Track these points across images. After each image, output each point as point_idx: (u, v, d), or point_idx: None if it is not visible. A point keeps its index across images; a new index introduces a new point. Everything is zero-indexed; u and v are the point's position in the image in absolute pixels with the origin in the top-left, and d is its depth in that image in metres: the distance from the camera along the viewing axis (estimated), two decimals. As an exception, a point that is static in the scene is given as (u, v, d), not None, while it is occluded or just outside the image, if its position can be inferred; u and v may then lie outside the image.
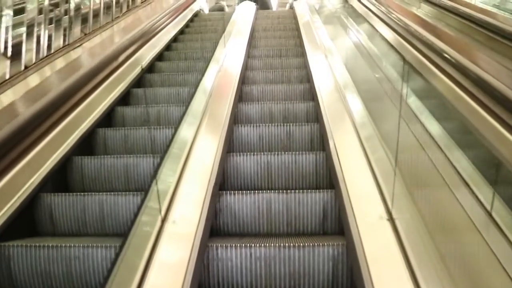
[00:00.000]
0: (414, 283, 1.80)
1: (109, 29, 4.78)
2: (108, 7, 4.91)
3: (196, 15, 8.43)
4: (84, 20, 4.28)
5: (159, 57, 5.75)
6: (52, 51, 3.60)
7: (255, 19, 7.99)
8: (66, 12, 3.91)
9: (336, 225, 2.82)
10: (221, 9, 11.11)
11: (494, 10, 3.65)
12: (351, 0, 5.10)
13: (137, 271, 1.93)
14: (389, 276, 1.95)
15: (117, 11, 5.20)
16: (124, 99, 4.35)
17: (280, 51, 6.10)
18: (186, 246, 2.23)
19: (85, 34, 4.24)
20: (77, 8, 4.09)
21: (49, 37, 3.56)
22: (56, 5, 3.72)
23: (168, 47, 6.17)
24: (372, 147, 2.89)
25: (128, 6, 5.63)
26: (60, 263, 2.35)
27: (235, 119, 4.08)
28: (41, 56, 3.43)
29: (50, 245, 2.36)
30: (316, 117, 4.08)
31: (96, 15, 4.57)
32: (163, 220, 2.33)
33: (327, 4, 6.95)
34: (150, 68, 5.30)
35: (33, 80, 3.06)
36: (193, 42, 6.56)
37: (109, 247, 2.35)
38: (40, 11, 3.41)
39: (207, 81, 4.39)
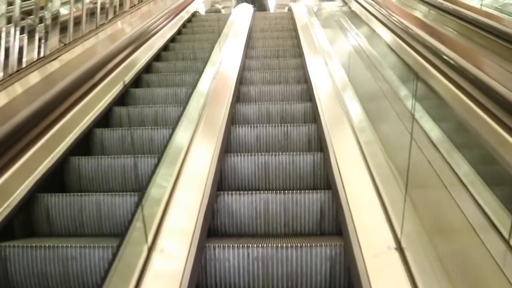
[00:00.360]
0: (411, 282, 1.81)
1: (93, 37, 4.35)
2: (92, 13, 4.48)
3: (193, 15, 8.43)
4: (64, 29, 3.82)
5: (156, 57, 5.74)
6: (24, 65, 3.18)
7: (253, 19, 7.99)
8: (42, 20, 3.48)
9: (334, 225, 2.82)
10: (217, 11, 11.12)
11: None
12: (350, 3, 5.11)
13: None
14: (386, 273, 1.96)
15: (102, 17, 4.74)
16: (103, 120, 3.93)
17: (278, 51, 6.10)
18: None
19: (64, 45, 3.80)
20: (55, 16, 3.63)
21: (20, 49, 3.15)
22: (28, 13, 3.33)
23: (165, 47, 6.17)
24: (371, 150, 2.88)
25: (115, 11, 5.16)
26: (57, 263, 2.34)
27: (233, 120, 4.08)
28: (10, 71, 3.03)
29: (47, 245, 2.35)
30: (313, 117, 4.08)
31: (77, 22, 4.11)
32: (150, 249, 2.09)
33: (326, 6, 6.96)
34: (144, 73, 5.16)
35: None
36: (190, 43, 6.55)
37: (106, 248, 2.34)
38: (9, 20, 3.05)
39: (205, 82, 4.38)
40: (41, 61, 3.38)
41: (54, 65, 3.40)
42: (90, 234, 2.77)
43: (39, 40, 3.41)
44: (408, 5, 3.94)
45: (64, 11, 3.86)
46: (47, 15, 3.54)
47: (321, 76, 4.65)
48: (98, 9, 4.60)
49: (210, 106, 3.92)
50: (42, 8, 3.51)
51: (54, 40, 3.63)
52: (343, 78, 4.24)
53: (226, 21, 7.22)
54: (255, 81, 5.14)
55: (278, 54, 6.03)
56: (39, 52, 3.40)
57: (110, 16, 4.98)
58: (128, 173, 3.21)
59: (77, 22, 4.13)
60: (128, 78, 4.49)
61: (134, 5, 5.89)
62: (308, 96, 4.56)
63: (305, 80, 4.94)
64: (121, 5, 5.38)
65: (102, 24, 4.68)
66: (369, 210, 2.42)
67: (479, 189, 1.79)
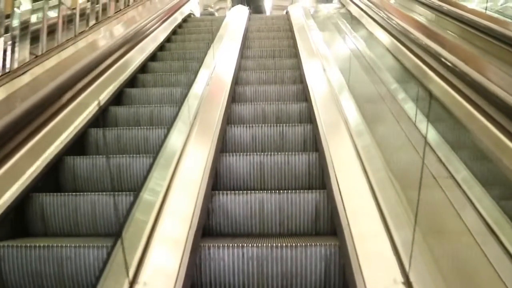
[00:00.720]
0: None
1: (72, 46, 3.87)
2: (70, 20, 4.00)
3: (188, 16, 8.35)
4: (36, 38, 3.35)
5: (152, 57, 5.72)
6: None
7: (248, 20, 7.98)
8: (8, 29, 3.06)
9: (328, 225, 2.83)
10: (211, 15, 11.04)
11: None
12: (348, 6, 5.10)
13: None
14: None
15: (82, 24, 4.26)
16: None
17: (273, 51, 6.10)
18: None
19: (36, 57, 3.33)
20: (25, 26, 3.16)
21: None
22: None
23: (161, 48, 6.14)
24: (367, 152, 2.88)
25: (97, 17, 4.67)
26: (51, 263, 2.33)
27: (228, 120, 4.08)
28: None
29: (42, 245, 2.34)
30: (309, 117, 4.08)
31: (52, 31, 3.62)
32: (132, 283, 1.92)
33: (322, 9, 6.97)
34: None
35: None
36: (186, 43, 6.53)
37: (101, 247, 2.34)
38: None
39: (200, 82, 4.37)
40: (6, 76, 2.94)
41: (23, 80, 2.97)
42: (84, 234, 2.76)
43: (4, 52, 2.99)
44: (412, 9, 3.91)
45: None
46: (15, 23, 3.13)
47: (316, 76, 4.65)
48: (77, 15, 4.15)
49: (206, 107, 3.92)
50: (8, 16, 3.09)
51: (24, 52, 3.18)
52: (338, 79, 4.25)
53: (221, 23, 7.19)
54: (251, 81, 5.14)
55: (274, 55, 6.03)
56: (3, 66, 2.96)
57: (92, 22, 4.55)
58: (123, 172, 3.20)
59: (53, 30, 3.66)
60: (106, 94, 4.02)
61: (120, 10, 5.44)
62: (304, 96, 4.56)
63: (301, 80, 4.95)
64: (104, 10, 4.91)
65: (82, 32, 4.24)
66: (364, 211, 2.42)
67: (477, 192, 1.78)
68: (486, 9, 4.22)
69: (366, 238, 2.22)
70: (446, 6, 3.34)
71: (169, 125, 3.27)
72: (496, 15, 3.86)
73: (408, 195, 2.15)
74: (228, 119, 4.07)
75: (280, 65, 5.56)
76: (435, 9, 3.51)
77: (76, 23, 4.14)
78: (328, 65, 4.80)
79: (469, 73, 1.77)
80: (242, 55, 5.92)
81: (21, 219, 2.74)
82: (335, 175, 2.82)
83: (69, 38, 3.95)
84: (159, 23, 5.95)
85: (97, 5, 4.70)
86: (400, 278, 1.85)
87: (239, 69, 5.35)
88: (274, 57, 5.95)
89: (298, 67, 5.30)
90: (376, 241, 2.16)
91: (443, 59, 2.09)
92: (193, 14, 8.91)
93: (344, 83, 4.04)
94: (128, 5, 5.76)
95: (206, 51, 5.31)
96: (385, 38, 3.37)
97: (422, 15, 3.67)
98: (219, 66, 5.10)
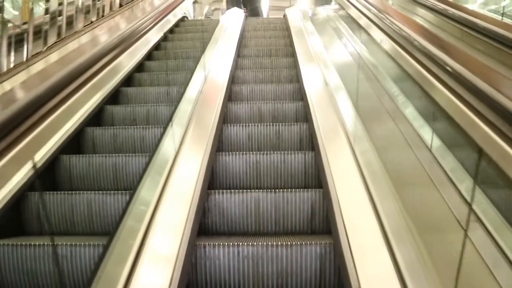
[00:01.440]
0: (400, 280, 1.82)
1: (22, 72, 3.05)
2: (20, 40, 3.14)
3: (183, 18, 8.14)
4: None
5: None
6: None
7: (245, 20, 7.94)
8: None
9: (324, 224, 2.84)
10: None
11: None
12: (348, 9, 5.08)
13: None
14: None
15: (37, 44, 3.37)
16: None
17: (270, 51, 6.10)
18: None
19: None
20: None
21: None
22: None
23: (157, 46, 6.11)
24: (364, 153, 2.88)
25: (59, 34, 3.75)
26: (47, 262, 2.34)
27: (224, 119, 4.09)
28: None
29: (37, 244, 2.34)
30: (305, 116, 4.09)
31: None
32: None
33: (321, 11, 6.97)
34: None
35: None
36: (183, 42, 6.52)
37: (97, 246, 2.34)
38: None
39: (196, 84, 4.37)
40: None
41: None
42: (81, 233, 2.76)
43: None
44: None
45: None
46: None
47: (313, 77, 4.66)
48: (30, 33, 3.29)
49: (202, 108, 3.92)
50: None
51: None
52: (335, 80, 4.25)
53: (216, 26, 7.10)
54: (247, 80, 5.15)
55: (271, 53, 6.03)
56: None
57: (51, 40, 3.64)
58: (119, 171, 3.21)
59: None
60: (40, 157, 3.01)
61: (91, 22, 4.44)
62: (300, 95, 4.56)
63: (297, 80, 4.95)
64: (69, 23, 3.95)
65: (35, 54, 3.34)
66: (359, 210, 2.43)
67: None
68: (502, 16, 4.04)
69: (361, 237, 2.23)
70: (450, 10, 3.26)
71: (165, 124, 3.27)
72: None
73: (406, 204, 2.11)
74: (225, 118, 4.08)
75: (277, 64, 5.56)
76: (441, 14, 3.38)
77: (28, 44, 3.25)
78: (325, 66, 4.81)
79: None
80: (238, 55, 5.92)
81: (17, 218, 2.74)
82: (331, 174, 2.83)
83: (19, 63, 3.12)
84: (144, 31, 4.23)
85: (59, 18, 3.76)
86: (394, 275, 1.86)
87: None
88: (271, 55, 5.95)
89: (295, 66, 5.31)
90: (372, 240, 2.17)
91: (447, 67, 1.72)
92: (187, 17, 8.41)
93: (340, 83, 4.04)
94: (102, 16, 4.76)
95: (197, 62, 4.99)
96: (385, 41, 3.36)
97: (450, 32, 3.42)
98: (212, 73, 5.01)
